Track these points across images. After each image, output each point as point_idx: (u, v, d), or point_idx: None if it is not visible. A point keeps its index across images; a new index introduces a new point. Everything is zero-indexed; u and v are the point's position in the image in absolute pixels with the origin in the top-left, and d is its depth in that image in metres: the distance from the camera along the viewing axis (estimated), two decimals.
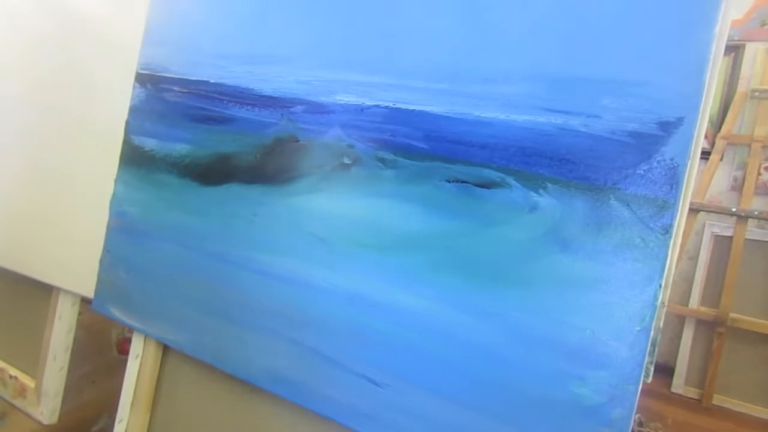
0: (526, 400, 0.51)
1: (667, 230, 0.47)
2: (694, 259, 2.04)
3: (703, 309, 1.98)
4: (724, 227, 1.98)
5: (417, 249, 0.57)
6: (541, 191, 0.52)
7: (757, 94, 1.94)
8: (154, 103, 0.78)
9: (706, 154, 1.98)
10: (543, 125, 0.52)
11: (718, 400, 1.91)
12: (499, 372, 0.53)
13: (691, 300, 2.02)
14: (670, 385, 2.01)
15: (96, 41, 0.92)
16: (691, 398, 1.96)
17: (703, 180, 1.95)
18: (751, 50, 2.00)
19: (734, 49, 2.02)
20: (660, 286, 0.47)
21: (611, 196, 0.49)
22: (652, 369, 0.57)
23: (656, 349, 0.56)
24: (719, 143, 1.97)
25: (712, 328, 1.93)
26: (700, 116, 0.46)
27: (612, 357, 0.48)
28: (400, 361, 0.57)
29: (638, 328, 0.47)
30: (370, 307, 0.59)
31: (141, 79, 0.80)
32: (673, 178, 0.47)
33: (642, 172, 0.48)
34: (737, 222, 1.90)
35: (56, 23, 0.96)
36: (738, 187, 2.00)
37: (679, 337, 2.03)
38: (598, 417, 0.48)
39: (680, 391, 1.99)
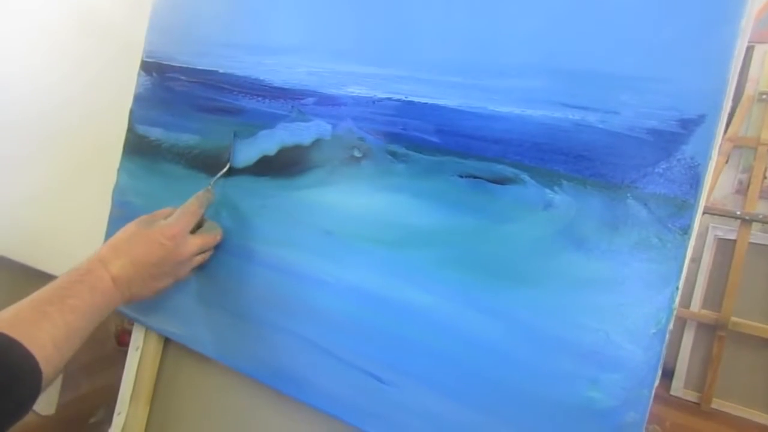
0: (535, 401, 0.50)
1: (685, 231, 0.46)
2: (697, 261, 2.03)
3: (704, 312, 1.98)
4: (728, 230, 1.98)
5: (427, 245, 0.56)
6: (555, 188, 0.51)
7: (764, 96, 1.93)
8: (160, 92, 0.77)
9: None
10: (559, 121, 0.51)
11: (717, 404, 1.91)
12: (508, 372, 0.52)
13: (692, 303, 2.01)
14: (669, 387, 2.01)
15: (99, 27, 0.90)
16: (690, 401, 1.96)
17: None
18: (760, 52, 1.98)
19: None
20: (677, 288, 0.46)
21: (628, 194, 0.48)
22: (660, 373, 0.56)
23: (664, 352, 0.56)
24: (725, 145, 1.96)
25: (712, 332, 1.93)
26: (722, 114, 0.45)
27: (626, 360, 0.47)
28: (406, 358, 0.56)
29: (654, 331, 0.46)
30: (377, 302, 0.58)
31: (146, 67, 0.79)
32: (694, 178, 0.45)
33: (661, 170, 0.47)
34: (741, 225, 1.90)
35: (57, 6, 0.95)
36: (743, 190, 2.00)
37: (680, 339, 2.03)
38: (610, 421, 0.47)
39: (679, 394, 1.99)
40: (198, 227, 0.66)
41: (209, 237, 0.67)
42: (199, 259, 0.67)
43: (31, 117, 0.97)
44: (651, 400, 0.46)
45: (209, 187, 0.68)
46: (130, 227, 0.62)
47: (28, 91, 0.99)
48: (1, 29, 1.02)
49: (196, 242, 0.64)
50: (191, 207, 0.65)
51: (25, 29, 0.99)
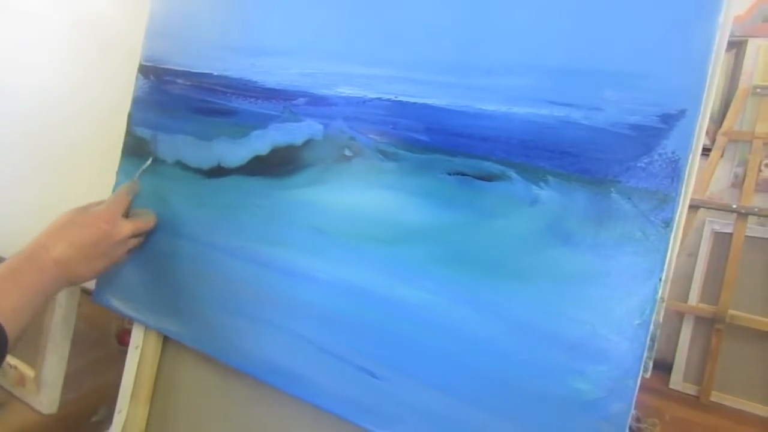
0: (525, 394, 0.51)
1: (667, 224, 0.47)
2: (694, 255, 2.03)
3: (702, 306, 1.98)
4: (724, 224, 1.97)
5: (417, 241, 0.57)
6: (541, 184, 0.52)
7: (759, 90, 1.93)
8: (157, 95, 0.78)
9: (706, 151, 1.97)
10: (544, 117, 0.52)
11: (716, 396, 1.91)
12: (498, 366, 0.53)
13: (690, 296, 2.01)
14: (668, 381, 2.01)
15: (99, 32, 0.91)
16: (689, 395, 1.96)
17: (703, 177, 1.94)
18: (753, 46, 1.98)
19: (736, 45, 2.01)
20: (660, 279, 0.47)
21: (612, 189, 0.49)
22: (651, 364, 0.57)
23: (655, 344, 0.57)
24: (720, 140, 1.96)
25: (710, 325, 1.93)
26: (702, 108, 0.46)
27: (612, 351, 0.48)
28: (399, 353, 0.57)
29: (638, 322, 0.47)
30: (370, 299, 0.59)
31: (144, 70, 0.80)
32: (675, 171, 0.46)
33: (643, 165, 0.48)
34: (737, 219, 1.90)
35: (56, 11, 0.96)
36: (738, 184, 2.00)
37: (678, 333, 2.03)
38: (597, 411, 0.48)
39: (678, 388, 1.99)
40: (126, 214, 0.73)
41: (141, 222, 0.73)
42: (134, 242, 0.73)
43: (32, 120, 0.98)
44: (636, 390, 0.47)
45: (135, 178, 0.77)
46: (67, 214, 0.68)
47: (29, 96, 1.00)
48: (2, 35, 1.03)
49: (128, 226, 0.70)
50: (121, 194, 0.73)
51: (26, 35, 1.00)
